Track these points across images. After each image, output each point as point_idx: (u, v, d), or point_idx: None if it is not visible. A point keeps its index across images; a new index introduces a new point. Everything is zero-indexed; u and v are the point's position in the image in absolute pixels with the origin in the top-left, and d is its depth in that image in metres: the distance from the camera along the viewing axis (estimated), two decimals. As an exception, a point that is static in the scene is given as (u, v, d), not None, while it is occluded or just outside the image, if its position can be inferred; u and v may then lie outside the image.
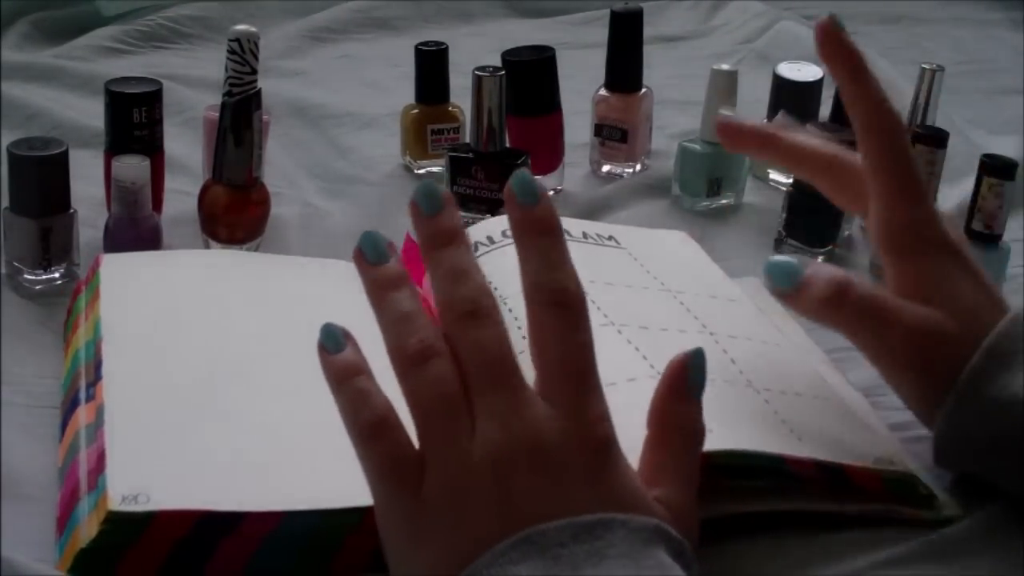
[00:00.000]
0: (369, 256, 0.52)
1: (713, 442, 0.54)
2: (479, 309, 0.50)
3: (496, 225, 0.74)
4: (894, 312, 0.60)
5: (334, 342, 0.51)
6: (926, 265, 0.62)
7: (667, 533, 0.47)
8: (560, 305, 0.50)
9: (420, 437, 0.49)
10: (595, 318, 0.65)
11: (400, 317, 0.50)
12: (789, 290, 0.61)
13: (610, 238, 0.77)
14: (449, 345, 0.50)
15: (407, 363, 0.49)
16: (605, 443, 0.49)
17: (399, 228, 0.86)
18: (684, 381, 0.52)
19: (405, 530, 0.49)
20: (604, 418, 0.49)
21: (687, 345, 0.64)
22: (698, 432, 0.52)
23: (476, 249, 0.73)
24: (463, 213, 0.88)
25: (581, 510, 0.47)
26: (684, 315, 0.69)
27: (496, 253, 0.72)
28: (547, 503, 0.47)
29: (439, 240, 0.51)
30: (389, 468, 0.49)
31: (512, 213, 0.52)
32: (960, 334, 0.59)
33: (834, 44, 0.64)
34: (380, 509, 0.50)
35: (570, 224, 0.78)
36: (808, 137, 0.68)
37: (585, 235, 0.76)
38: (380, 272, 0.52)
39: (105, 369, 0.61)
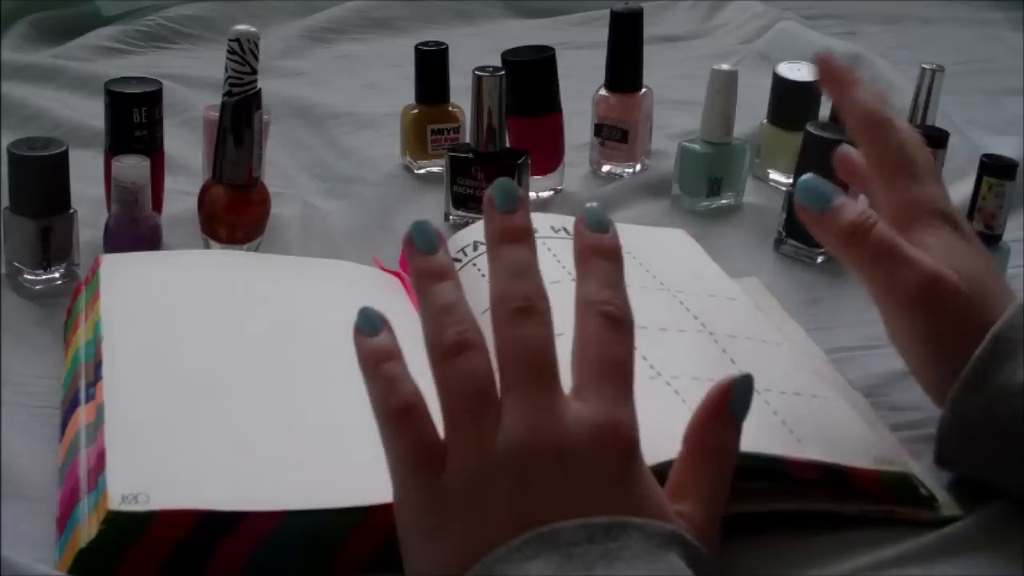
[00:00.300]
0: (419, 245, 0.53)
1: None
2: (533, 307, 0.50)
3: None
4: (910, 253, 0.62)
5: (370, 325, 0.52)
6: (931, 238, 0.63)
7: (683, 539, 0.47)
8: (610, 317, 0.51)
9: (446, 427, 0.49)
10: None
11: (441, 308, 0.51)
12: (816, 213, 0.63)
13: None
14: (496, 336, 0.50)
15: (442, 353, 0.49)
16: (630, 450, 0.49)
17: (399, 228, 0.86)
18: (727, 404, 0.53)
19: (422, 519, 0.49)
20: (632, 427, 0.50)
21: (686, 344, 0.65)
22: (732, 454, 0.53)
23: (475, 248, 0.73)
24: (462, 213, 0.88)
25: (599, 513, 0.47)
26: (683, 314, 0.69)
27: None
28: (565, 503, 0.47)
29: (508, 236, 0.53)
30: (412, 454, 0.49)
31: (579, 239, 0.54)
32: (967, 292, 0.61)
33: (828, 67, 0.70)
34: (399, 496, 0.50)
35: (568, 222, 0.78)
36: (866, 97, 0.69)
37: None
38: (428, 262, 0.52)
39: (105, 369, 0.61)
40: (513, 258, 0.52)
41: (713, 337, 0.67)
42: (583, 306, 0.52)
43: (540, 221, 0.76)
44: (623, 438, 0.49)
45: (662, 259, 0.76)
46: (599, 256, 0.53)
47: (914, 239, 0.63)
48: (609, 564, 0.45)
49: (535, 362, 0.49)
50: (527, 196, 0.54)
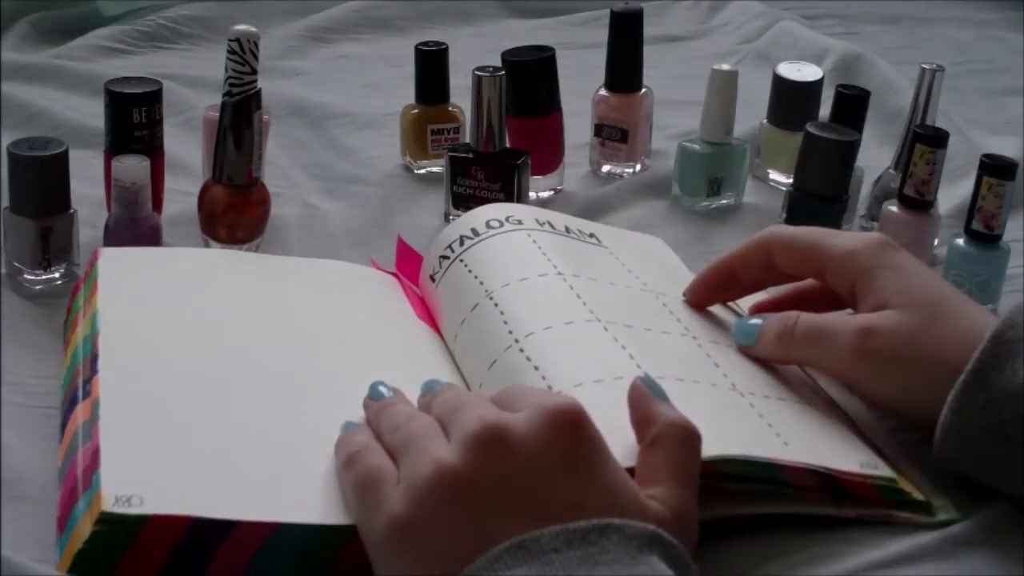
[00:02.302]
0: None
1: (703, 448, 0.54)
2: (354, 452, 0.54)
3: (481, 216, 0.74)
4: (833, 323, 0.63)
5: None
6: (879, 280, 0.64)
7: (662, 539, 0.47)
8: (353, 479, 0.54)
9: (396, 457, 0.52)
10: (581, 314, 0.65)
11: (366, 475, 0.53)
12: (751, 344, 0.66)
13: (591, 235, 0.77)
14: (395, 437, 0.54)
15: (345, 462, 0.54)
16: (584, 424, 0.51)
17: (399, 228, 0.86)
18: (649, 394, 0.55)
19: (387, 542, 0.50)
20: (576, 403, 0.51)
21: (672, 346, 0.65)
22: (684, 429, 0.53)
23: (462, 243, 0.73)
24: (462, 213, 0.88)
25: (564, 502, 0.48)
26: (667, 316, 0.68)
27: (481, 245, 0.72)
28: (527, 517, 0.48)
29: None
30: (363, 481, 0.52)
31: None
32: (912, 322, 0.61)
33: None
34: (359, 523, 0.52)
35: (553, 217, 0.77)
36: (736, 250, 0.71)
37: (568, 229, 0.76)
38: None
39: (101, 363, 0.61)
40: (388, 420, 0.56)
41: (697, 342, 0.66)
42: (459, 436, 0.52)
43: (525, 214, 0.76)
44: (572, 411, 0.50)
45: (643, 262, 0.76)
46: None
47: (869, 287, 0.64)
48: (590, 568, 0.45)
49: (456, 401, 0.53)
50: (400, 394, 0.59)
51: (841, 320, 0.63)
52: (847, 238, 0.67)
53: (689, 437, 0.53)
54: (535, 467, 0.49)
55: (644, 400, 0.55)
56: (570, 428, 0.50)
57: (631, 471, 0.52)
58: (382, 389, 0.58)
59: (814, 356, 0.64)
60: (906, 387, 0.61)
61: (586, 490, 0.49)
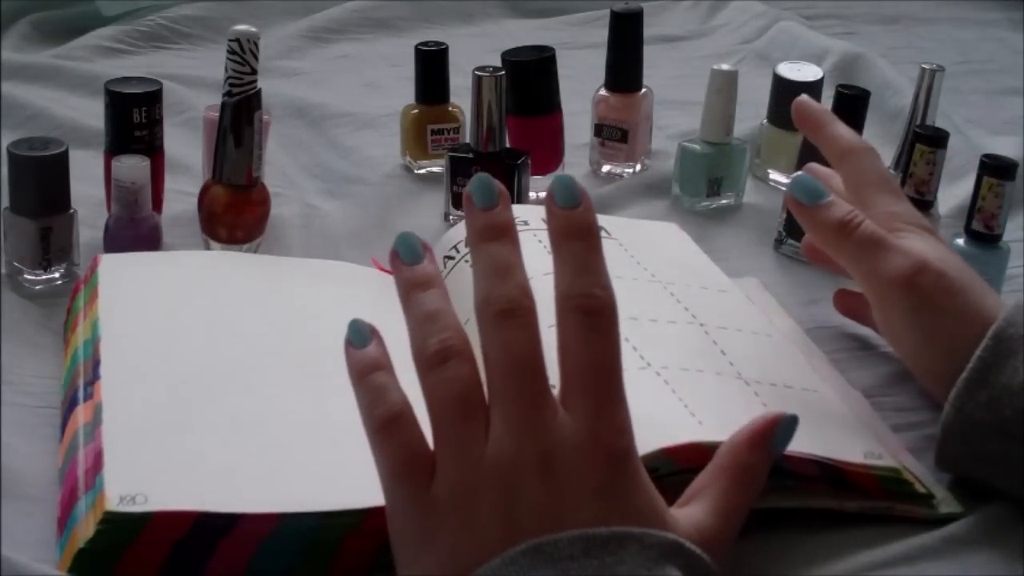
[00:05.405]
0: (404, 256, 0.53)
1: (704, 434, 0.54)
2: (515, 309, 0.49)
3: None
4: (897, 243, 0.65)
5: (360, 337, 0.52)
6: (914, 242, 0.66)
7: (682, 548, 0.47)
8: (588, 312, 0.49)
9: (434, 437, 0.49)
10: None
11: (425, 316, 0.50)
12: (807, 205, 0.66)
13: (601, 229, 0.77)
14: (482, 343, 0.49)
15: (427, 363, 0.49)
16: (622, 456, 0.49)
17: (399, 228, 0.86)
18: (770, 435, 0.53)
19: (412, 529, 0.49)
20: (624, 430, 0.49)
21: (676, 335, 0.65)
22: (759, 481, 0.52)
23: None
24: (462, 213, 0.88)
25: (587, 522, 0.46)
26: (674, 306, 0.69)
27: None
28: (553, 515, 0.47)
29: (489, 233, 0.52)
30: (400, 464, 0.49)
31: (552, 217, 0.52)
32: (955, 277, 0.63)
33: (804, 111, 0.75)
34: (390, 506, 0.50)
35: None
36: (843, 131, 0.74)
37: None
38: (412, 272, 0.52)
39: (103, 368, 0.61)
40: (493, 257, 0.51)
41: (704, 328, 0.67)
42: (560, 301, 0.50)
43: (532, 214, 0.76)
44: (612, 447, 0.48)
45: (653, 252, 0.76)
46: (571, 237, 0.51)
47: (898, 239, 0.66)
48: None
49: (520, 370, 0.48)
50: (507, 191, 0.53)
51: (903, 243, 0.65)
52: (907, 206, 0.69)
53: (754, 485, 0.52)
54: (571, 497, 0.47)
55: (752, 440, 0.53)
56: (608, 464, 0.48)
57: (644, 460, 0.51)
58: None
59: (862, 261, 0.65)
60: (931, 334, 0.63)
61: (609, 513, 0.47)
